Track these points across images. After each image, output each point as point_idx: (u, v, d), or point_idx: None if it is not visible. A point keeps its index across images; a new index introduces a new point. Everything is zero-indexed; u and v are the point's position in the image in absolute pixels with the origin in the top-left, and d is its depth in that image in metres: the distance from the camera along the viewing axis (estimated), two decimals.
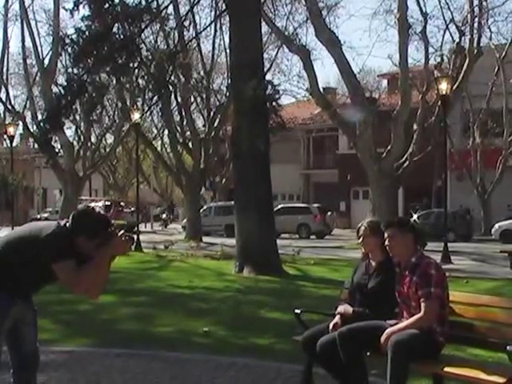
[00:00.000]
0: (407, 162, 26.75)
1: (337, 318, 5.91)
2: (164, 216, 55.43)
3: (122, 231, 4.56)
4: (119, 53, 19.34)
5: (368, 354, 5.58)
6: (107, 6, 19.56)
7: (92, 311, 10.94)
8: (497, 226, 33.32)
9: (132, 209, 46.29)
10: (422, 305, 5.36)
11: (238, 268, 17.40)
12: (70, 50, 19.67)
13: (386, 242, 5.65)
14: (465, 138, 40.16)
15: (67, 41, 19.73)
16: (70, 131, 45.03)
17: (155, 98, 24.03)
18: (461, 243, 30.00)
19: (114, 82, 27.60)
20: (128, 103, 34.98)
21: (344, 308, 5.95)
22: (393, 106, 29.94)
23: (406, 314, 5.55)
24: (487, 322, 5.64)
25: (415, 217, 34.27)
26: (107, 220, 4.62)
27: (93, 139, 48.16)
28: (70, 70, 23.53)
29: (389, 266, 5.80)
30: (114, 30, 19.75)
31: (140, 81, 25.59)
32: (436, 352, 5.46)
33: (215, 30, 37.73)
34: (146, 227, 50.06)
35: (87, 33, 19.28)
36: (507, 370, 4.96)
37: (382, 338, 5.34)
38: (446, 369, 5.26)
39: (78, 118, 40.63)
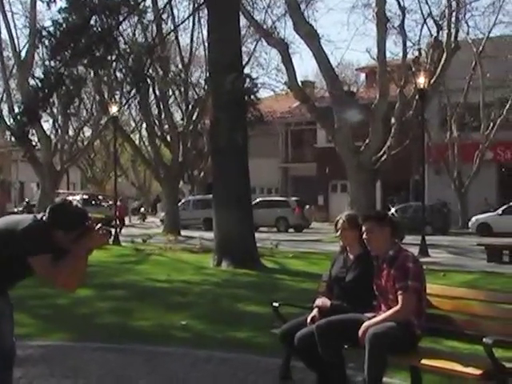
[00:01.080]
0: (385, 156, 26.82)
1: (315, 311, 5.93)
2: (142, 209, 55.26)
3: (99, 224, 4.54)
4: (97, 45, 19.21)
5: (346, 346, 5.61)
6: None
7: (70, 305, 10.89)
8: (474, 219, 33.60)
9: (110, 202, 46.08)
10: (399, 298, 5.39)
11: (217, 261, 17.41)
12: (46, 42, 19.50)
13: (364, 236, 5.68)
14: (442, 131, 40.35)
15: (44, 33, 19.56)
16: (47, 124, 44.65)
17: (133, 91, 23.96)
18: (438, 236, 30.18)
19: (92, 74, 27.40)
20: (106, 96, 34.80)
21: (322, 301, 5.97)
22: (371, 99, 29.99)
23: (384, 307, 5.58)
24: (464, 315, 5.69)
25: (393, 210, 34.48)
26: (84, 213, 4.59)
27: (70, 132, 47.84)
28: (47, 62, 23.29)
29: (366, 260, 5.83)
30: (92, 22, 19.58)
31: (118, 74, 25.45)
32: (413, 344, 5.50)
33: (193, 23, 37.63)
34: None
35: (64, 25, 19.11)
36: (483, 361, 5.00)
37: (360, 331, 5.36)
38: (423, 361, 5.30)
39: (55, 111, 40.26)
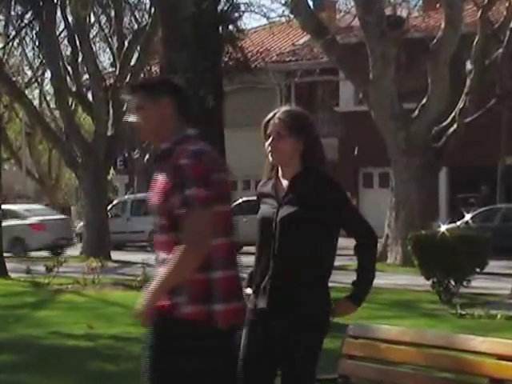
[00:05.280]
0: (455, 126, 26.90)
1: None
2: None
3: None
4: None
5: None
6: None
7: None
8: None
9: None
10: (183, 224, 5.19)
11: None
12: None
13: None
14: None
15: None
16: None
17: (28, 15, 23.86)
18: None
19: None
20: None
21: None
22: (431, 31, 30.05)
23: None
24: None
25: (468, 217, 34.48)
26: None
27: None
28: None
29: (313, 182, 5.65)
30: None
31: None
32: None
33: None
34: None
35: None
36: None
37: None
38: None
39: None
